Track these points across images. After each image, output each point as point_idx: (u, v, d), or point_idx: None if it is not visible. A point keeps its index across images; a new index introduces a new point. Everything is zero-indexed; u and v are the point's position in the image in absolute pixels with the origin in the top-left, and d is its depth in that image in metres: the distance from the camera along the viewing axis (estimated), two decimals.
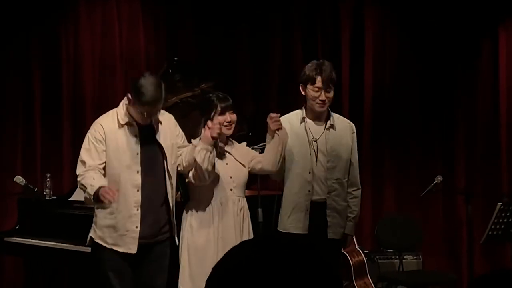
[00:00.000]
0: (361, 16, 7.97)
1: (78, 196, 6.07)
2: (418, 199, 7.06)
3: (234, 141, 5.29)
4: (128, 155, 4.81)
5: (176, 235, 5.07)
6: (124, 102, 4.88)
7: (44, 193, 6.31)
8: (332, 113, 5.28)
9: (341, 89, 7.81)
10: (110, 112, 4.96)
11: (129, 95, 4.79)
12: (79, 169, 4.84)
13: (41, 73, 7.25)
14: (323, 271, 1.86)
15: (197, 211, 5.10)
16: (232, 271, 1.84)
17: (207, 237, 5.05)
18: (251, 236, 5.19)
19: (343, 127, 5.33)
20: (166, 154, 4.92)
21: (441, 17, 7.91)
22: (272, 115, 5.00)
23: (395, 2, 7.98)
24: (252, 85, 7.82)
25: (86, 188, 4.69)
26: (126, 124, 4.84)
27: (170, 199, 4.96)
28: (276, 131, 4.99)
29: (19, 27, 7.15)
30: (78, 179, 4.82)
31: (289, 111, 5.42)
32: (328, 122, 5.24)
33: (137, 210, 4.81)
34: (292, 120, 5.27)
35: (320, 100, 5.13)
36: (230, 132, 5.15)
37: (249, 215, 5.22)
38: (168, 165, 4.93)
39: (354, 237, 6.54)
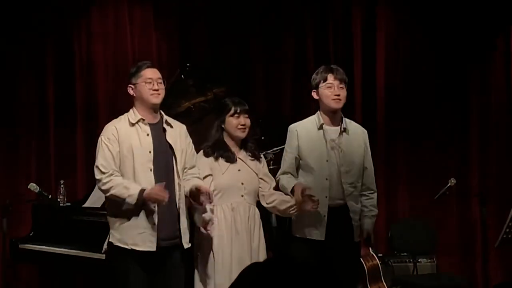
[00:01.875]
0: (373, 16, 7.94)
1: (92, 202, 6.10)
2: (432, 202, 7.03)
3: (248, 148, 5.29)
4: (141, 153, 4.84)
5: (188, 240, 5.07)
6: (132, 107, 4.97)
7: (58, 199, 6.33)
8: (344, 117, 5.27)
9: (353, 90, 7.79)
10: (121, 116, 5.03)
11: (130, 88, 4.96)
12: (98, 175, 4.84)
13: (55, 79, 7.28)
14: None
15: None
16: None
17: (221, 239, 5.07)
18: (262, 244, 5.19)
19: (356, 132, 5.31)
20: (176, 154, 4.93)
21: (453, 17, 7.87)
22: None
23: (407, 4, 7.95)
24: (265, 88, 7.81)
25: (123, 197, 4.74)
26: (137, 122, 4.89)
27: (179, 199, 4.95)
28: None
29: (32, 35, 7.19)
30: (103, 187, 4.80)
31: (302, 115, 5.42)
32: (342, 125, 5.22)
33: (154, 207, 4.81)
34: (308, 127, 5.25)
35: (335, 95, 5.13)
36: (244, 135, 5.18)
37: (261, 223, 5.23)
38: (177, 165, 4.94)
39: None
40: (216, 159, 5.14)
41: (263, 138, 6.35)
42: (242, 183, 5.16)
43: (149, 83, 4.88)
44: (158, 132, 4.93)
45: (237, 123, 5.14)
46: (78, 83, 7.32)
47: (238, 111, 5.14)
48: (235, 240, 5.09)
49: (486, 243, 7.02)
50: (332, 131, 5.20)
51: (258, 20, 7.80)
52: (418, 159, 7.88)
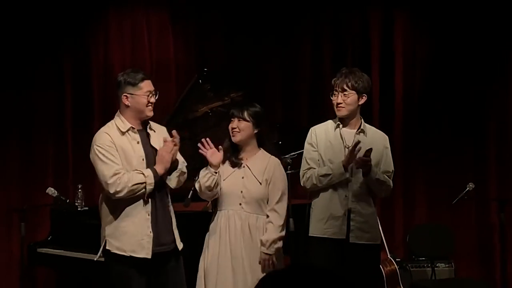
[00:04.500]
0: (390, 25, 7.93)
1: None
2: (450, 206, 7.00)
3: (256, 154, 5.21)
4: (136, 160, 4.84)
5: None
6: (117, 114, 4.94)
7: (76, 204, 6.34)
8: (364, 123, 5.25)
9: (371, 97, 7.77)
10: (108, 123, 4.98)
11: (125, 97, 4.86)
12: (109, 179, 4.77)
13: (72, 85, 7.31)
14: None
15: (212, 221, 5.14)
16: None
17: (214, 249, 5.06)
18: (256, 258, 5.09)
19: (376, 136, 5.28)
20: None
21: (471, 26, 7.84)
22: None
23: (425, 11, 7.92)
24: (282, 93, 7.81)
25: (140, 189, 4.75)
26: (127, 131, 4.88)
27: (169, 201, 5.01)
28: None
29: (50, 41, 7.22)
30: (118, 188, 4.73)
31: (318, 120, 5.41)
32: (360, 128, 5.21)
33: (148, 215, 4.84)
34: (327, 127, 5.25)
35: (337, 103, 5.13)
36: (234, 139, 5.11)
37: (260, 234, 5.08)
38: None
39: (386, 245, 6.51)
40: (223, 162, 5.14)
41: (280, 142, 6.34)
42: (242, 191, 5.07)
43: (148, 95, 4.87)
44: (144, 138, 4.94)
45: (230, 128, 5.13)
46: (95, 88, 7.35)
47: (230, 114, 5.14)
48: (225, 253, 5.04)
49: (505, 247, 6.97)
50: (349, 132, 5.20)
51: (275, 27, 7.79)
52: (436, 163, 7.85)
